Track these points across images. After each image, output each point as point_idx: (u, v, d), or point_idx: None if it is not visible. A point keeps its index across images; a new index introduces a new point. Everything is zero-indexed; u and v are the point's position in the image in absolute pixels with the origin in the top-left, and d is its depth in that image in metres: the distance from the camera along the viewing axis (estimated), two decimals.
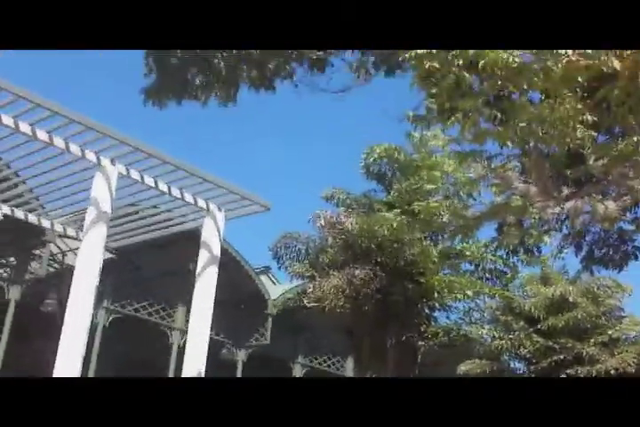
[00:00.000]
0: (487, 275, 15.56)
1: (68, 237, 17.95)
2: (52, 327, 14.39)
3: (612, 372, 16.24)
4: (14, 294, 17.23)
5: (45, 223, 17.21)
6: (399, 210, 14.87)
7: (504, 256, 15.14)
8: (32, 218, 16.90)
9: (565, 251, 10.15)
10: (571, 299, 17.07)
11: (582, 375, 16.33)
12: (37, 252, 18.07)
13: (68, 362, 12.72)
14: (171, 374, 17.75)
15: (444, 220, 11.92)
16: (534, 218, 8.31)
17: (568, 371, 16.44)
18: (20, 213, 16.42)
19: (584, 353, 16.50)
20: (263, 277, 22.33)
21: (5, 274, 17.95)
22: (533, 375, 18.54)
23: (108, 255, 17.51)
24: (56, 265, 18.81)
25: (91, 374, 16.88)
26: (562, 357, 16.60)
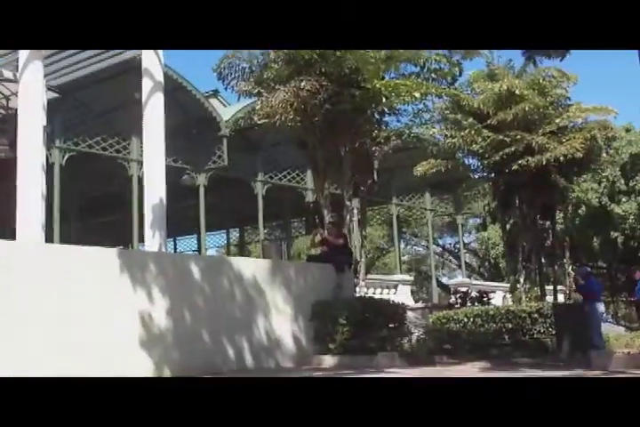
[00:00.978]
0: (433, 75, 15.52)
1: (7, 81, 17.56)
2: (8, 173, 14.44)
3: (562, 159, 16.77)
4: None
5: None
6: None
7: (446, 54, 15.05)
8: None
9: None
10: (518, 92, 17.17)
11: (532, 165, 16.86)
12: None
13: (30, 203, 12.94)
14: (134, 205, 18.05)
15: None
16: None
17: (519, 161, 16.93)
18: None
19: (533, 143, 16.90)
20: (213, 101, 22.18)
21: None
22: (486, 170, 19.13)
23: (52, 95, 17.23)
24: (1, 110, 18.48)
25: (56, 213, 17.15)
26: (512, 149, 16.97)
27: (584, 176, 24.02)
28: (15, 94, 16.15)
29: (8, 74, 17.05)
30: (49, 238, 15.16)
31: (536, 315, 15.76)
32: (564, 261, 23.14)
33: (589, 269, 20.10)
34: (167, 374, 10.25)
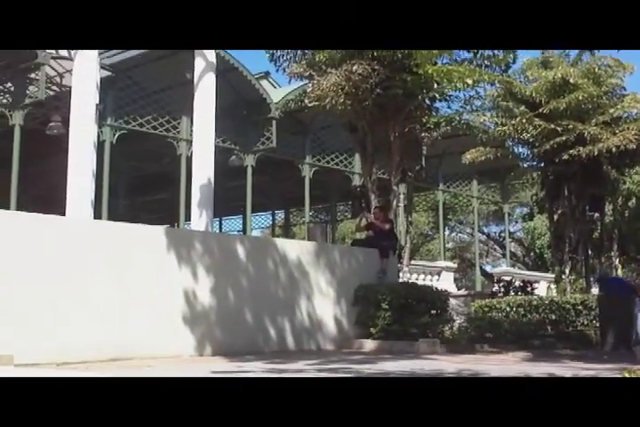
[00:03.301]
0: (486, 62, 15.35)
1: (62, 58, 17.80)
2: (60, 150, 14.68)
3: (614, 150, 16.51)
4: (17, 119, 17.31)
5: None
6: None
7: None
8: None
9: None
10: (572, 81, 16.91)
11: (584, 155, 16.62)
12: (33, 75, 17.91)
13: (80, 180, 13.15)
14: (182, 184, 18.22)
15: None
16: None
17: (570, 151, 16.72)
18: None
19: (585, 133, 16.65)
20: (263, 82, 22.24)
21: (5, 100, 17.96)
22: (536, 159, 18.93)
23: (106, 73, 17.44)
24: (54, 88, 18.74)
25: (105, 190, 17.40)
26: (564, 138, 16.75)
27: (636, 168, 23.60)
28: (69, 72, 16.38)
29: (63, 52, 17.27)
30: (97, 215, 15.40)
31: (580, 307, 15.60)
32: (612, 253, 22.83)
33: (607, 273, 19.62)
34: (209, 352, 10.37)
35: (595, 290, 18.71)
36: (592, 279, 18.34)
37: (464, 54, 15.26)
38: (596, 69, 17.35)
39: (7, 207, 16.08)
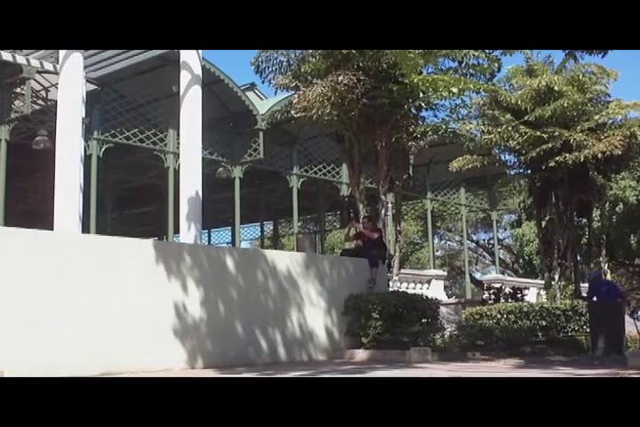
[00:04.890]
0: (471, 71, 15.43)
1: (47, 72, 17.77)
2: (47, 164, 14.62)
3: (600, 156, 16.60)
4: (3, 133, 17.25)
5: (21, 60, 16.92)
6: None
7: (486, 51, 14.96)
8: (6, 55, 16.61)
9: None
10: (556, 88, 17.01)
11: (570, 161, 16.69)
12: (18, 90, 17.87)
13: (67, 194, 13.10)
14: (170, 196, 18.18)
15: None
16: None
17: (557, 158, 16.79)
18: None
19: (571, 140, 16.73)
20: (250, 94, 22.26)
21: None
22: (522, 166, 19.00)
23: (91, 86, 17.42)
24: (40, 102, 18.70)
25: (92, 204, 17.35)
26: (550, 145, 16.83)
27: (622, 173, 23.76)
28: (55, 86, 16.34)
29: (48, 66, 17.24)
30: (85, 229, 15.34)
31: (570, 312, 15.65)
32: (601, 258, 22.92)
33: (598, 272, 19.67)
34: (200, 365, 10.33)
35: (584, 292, 18.78)
36: (587, 276, 18.30)
37: (449, 63, 15.37)
38: (581, 77, 17.46)
39: None
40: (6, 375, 7.26)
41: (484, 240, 48.49)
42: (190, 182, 14.65)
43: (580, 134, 16.87)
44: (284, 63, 15.73)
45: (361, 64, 14.03)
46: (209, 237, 32.05)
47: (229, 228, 29.62)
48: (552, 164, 16.85)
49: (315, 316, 12.31)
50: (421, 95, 14.78)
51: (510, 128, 17.11)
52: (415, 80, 13.97)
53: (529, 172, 19.01)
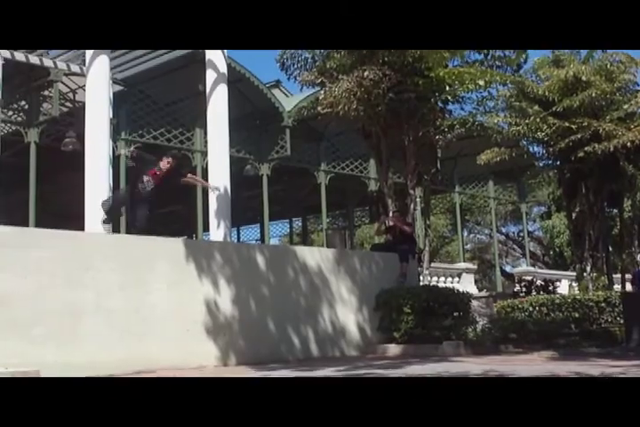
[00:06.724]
0: (497, 63, 15.34)
1: (74, 75, 17.93)
2: (76, 165, 14.75)
3: (629, 145, 16.42)
4: (32, 136, 17.46)
5: (48, 63, 17.08)
6: None
7: None
8: (34, 59, 16.77)
9: None
10: (584, 78, 16.84)
11: (599, 152, 16.53)
12: (46, 93, 18.07)
13: (97, 194, 13.19)
14: (199, 195, 18.25)
15: None
16: None
17: (586, 148, 16.63)
18: (20, 56, 16.27)
19: (600, 130, 16.55)
20: (275, 91, 22.28)
21: (20, 118, 18.11)
22: (551, 158, 18.85)
23: (118, 87, 17.54)
24: (68, 104, 18.88)
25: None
26: (579, 136, 16.66)
27: None
28: (82, 88, 16.49)
29: (75, 68, 17.39)
30: (116, 228, 15.45)
31: (603, 304, 15.50)
32: (633, 249, 22.68)
33: None
34: (233, 362, 10.38)
35: (617, 286, 18.61)
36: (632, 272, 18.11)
37: (475, 56, 15.27)
38: (608, 66, 17.27)
39: (27, 224, 16.21)
40: (42, 375, 7.33)
41: (513, 233, 48.16)
42: (218, 180, 14.71)
43: (610, 124, 16.70)
44: (309, 60, 15.73)
45: (386, 59, 13.99)
46: (238, 234, 32.17)
47: (258, 225, 29.72)
48: (581, 154, 16.69)
49: (346, 311, 12.31)
50: (448, 88, 14.70)
51: (538, 119, 16.97)
52: (441, 73, 13.96)
53: (558, 163, 18.83)
